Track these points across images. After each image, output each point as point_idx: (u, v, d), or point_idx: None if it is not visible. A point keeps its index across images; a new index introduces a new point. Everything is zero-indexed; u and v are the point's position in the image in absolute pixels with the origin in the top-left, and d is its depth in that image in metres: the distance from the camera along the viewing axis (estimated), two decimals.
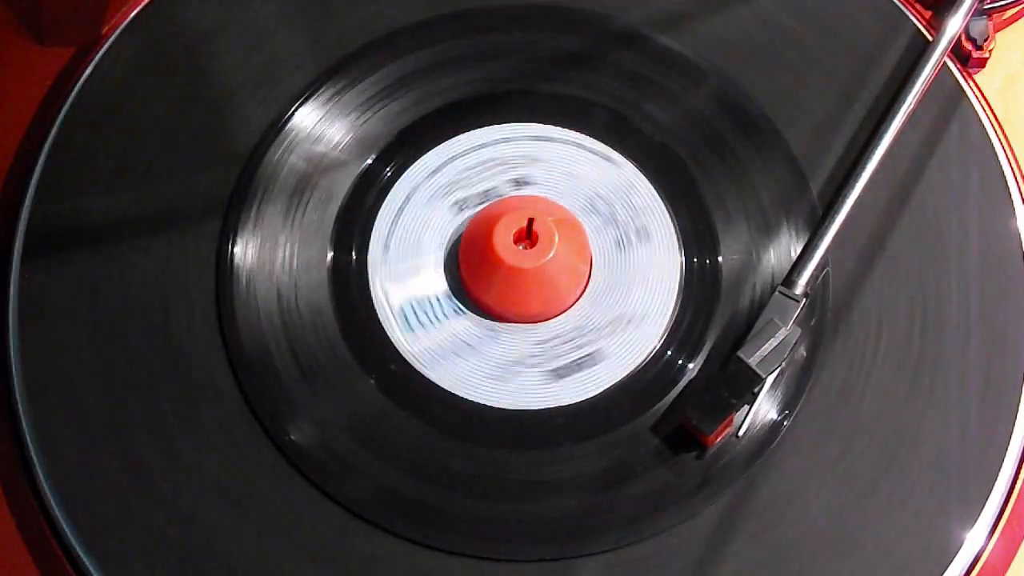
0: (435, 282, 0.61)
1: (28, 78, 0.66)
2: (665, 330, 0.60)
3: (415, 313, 0.60)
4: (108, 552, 0.55)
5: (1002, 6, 0.67)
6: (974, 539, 0.55)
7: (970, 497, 0.56)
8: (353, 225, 0.62)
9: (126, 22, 0.66)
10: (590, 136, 0.64)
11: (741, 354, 0.56)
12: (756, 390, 0.56)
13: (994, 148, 0.63)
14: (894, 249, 0.61)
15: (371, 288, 0.61)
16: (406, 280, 0.61)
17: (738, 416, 0.56)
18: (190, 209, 0.62)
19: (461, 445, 0.58)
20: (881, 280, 0.60)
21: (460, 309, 0.60)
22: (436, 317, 0.60)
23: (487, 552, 0.56)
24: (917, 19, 0.67)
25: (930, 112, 0.64)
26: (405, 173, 0.63)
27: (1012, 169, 0.63)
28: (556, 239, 0.59)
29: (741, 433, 0.57)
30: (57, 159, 0.62)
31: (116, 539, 0.55)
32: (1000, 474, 0.56)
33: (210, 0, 0.67)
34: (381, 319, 0.60)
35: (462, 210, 0.62)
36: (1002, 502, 0.56)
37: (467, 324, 0.60)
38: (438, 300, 0.60)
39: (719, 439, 0.57)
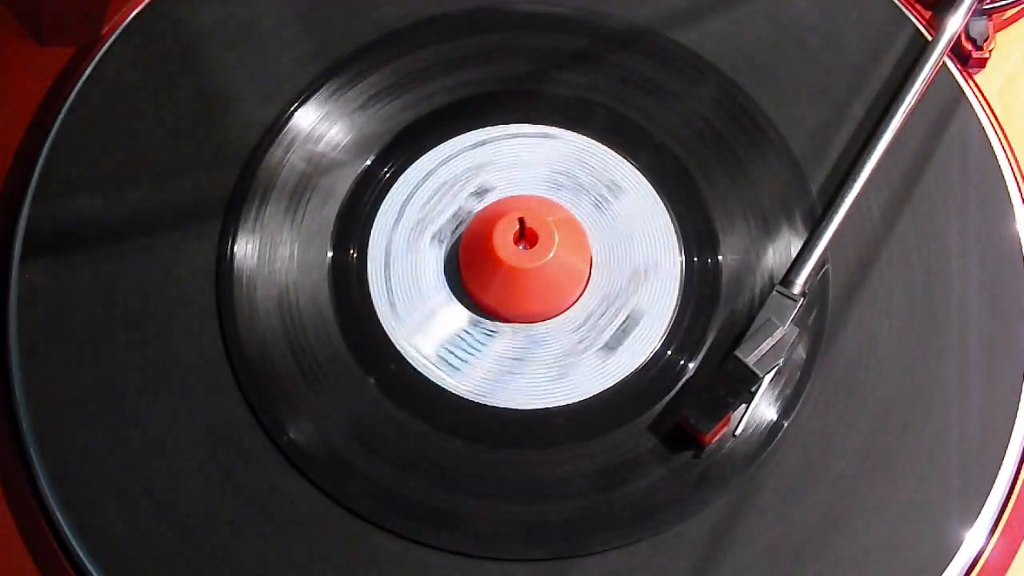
0: (456, 317, 0.61)
1: (28, 78, 0.66)
2: (665, 330, 0.60)
3: (453, 354, 0.60)
4: (108, 552, 0.55)
5: (1002, 6, 0.67)
6: (974, 539, 0.55)
7: (970, 497, 0.56)
8: (353, 225, 0.62)
9: (126, 22, 0.66)
10: (589, 136, 0.64)
11: (739, 353, 0.56)
12: (753, 389, 0.56)
13: (994, 148, 0.63)
14: (894, 249, 0.61)
15: (371, 288, 0.61)
16: (428, 328, 0.60)
17: (735, 415, 0.57)
18: (190, 209, 0.62)
19: (461, 445, 0.58)
20: (880, 280, 0.60)
21: (491, 331, 0.60)
22: (474, 348, 0.60)
23: (487, 552, 0.56)
24: (917, 19, 0.67)
25: (930, 112, 0.64)
26: (404, 173, 0.63)
27: (1012, 169, 0.63)
28: (556, 239, 0.59)
29: (738, 432, 0.57)
30: (57, 159, 0.63)
31: (116, 539, 0.55)
32: (1000, 474, 0.56)
33: (210, 0, 0.67)
34: (382, 322, 0.60)
35: (441, 242, 0.62)
36: (1002, 502, 0.56)
37: (506, 341, 0.60)
38: (467, 332, 0.60)
39: (716, 438, 0.57)
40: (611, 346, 0.60)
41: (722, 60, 0.66)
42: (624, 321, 0.60)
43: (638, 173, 0.63)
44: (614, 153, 0.63)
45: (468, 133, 0.64)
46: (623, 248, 0.62)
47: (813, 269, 0.59)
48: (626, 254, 0.62)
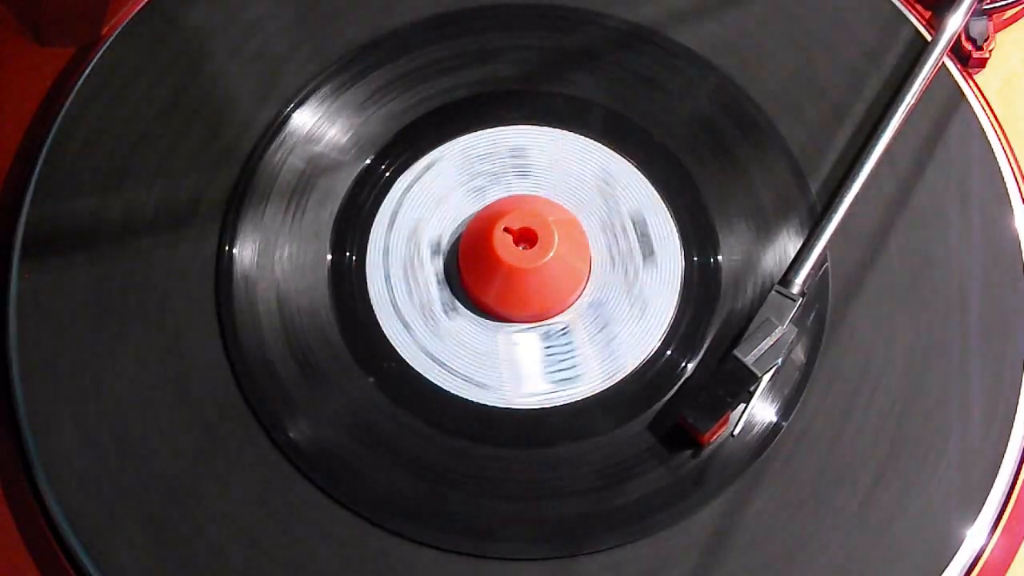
0: (455, 317, 0.61)
1: (28, 78, 0.66)
2: (665, 330, 0.60)
3: (452, 354, 0.59)
4: (108, 552, 0.55)
5: (1002, 6, 0.67)
6: (974, 538, 0.55)
7: (970, 496, 0.56)
8: (352, 225, 0.62)
9: (126, 22, 0.66)
10: (589, 136, 0.64)
11: (737, 353, 0.56)
12: (752, 389, 0.56)
13: (994, 148, 0.63)
14: (894, 249, 0.61)
15: (370, 290, 0.61)
16: (427, 327, 0.60)
17: (734, 415, 0.57)
18: (190, 209, 0.62)
19: (461, 445, 0.58)
20: (880, 279, 0.60)
21: (490, 331, 0.60)
22: (473, 348, 0.60)
23: (487, 552, 0.56)
24: (917, 19, 0.67)
25: (930, 112, 0.64)
26: (404, 174, 0.63)
27: (1012, 169, 0.63)
28: (556, 239, 0.59)
29: (736, 432, 0.57)
30: (57, 159, 0.63)
31: (116, 539, 0.55)
32: (1000, 473, 0.56)
33: (210, 0, 0.67)
34: (381, 321, 0.60)
35: (441, 241, 0.62)
36: (1002, 501, 0.56)
37: (470, 327, 0.60)
38: (466, 332, 0.60)
39: (715, 437, 0.57)
40: (610, 346, 0.60)
41: (722, 60, 0.66)
42: (623, 321, 0.60)
43: (672, 229, 0.62)
44: (615, 155, 0.63)
45: (468, 134, 0.64)
46: (622, 248, 0.62)
47: (812, 269, 0.59)
48: (625, 254, 0.62)
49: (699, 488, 0.56)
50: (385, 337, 0.60)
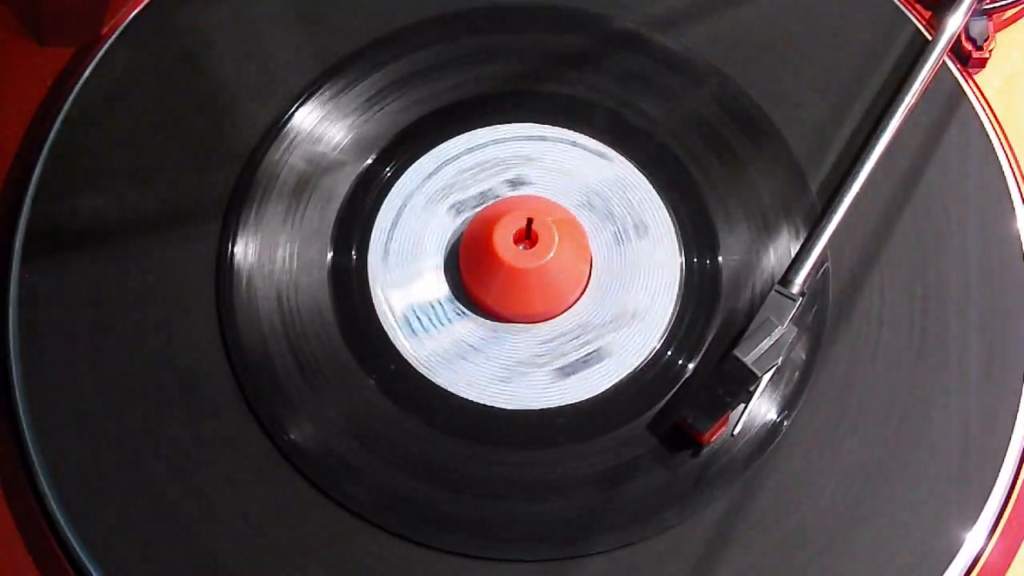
0: (436, 286, 0.61)
1: (28, 78, 0.66)
2: (665, 330, 0.60)
3: (418, 318, 0.60)
4: (108, 552, 0.55)
5: (1002, 6, 0.67)
6: (974, 539, 0.55)
7: (970, 497, 0.56)
8: (353, 225, 0.62)
9: (126, 22, 0.66)
10: (589, 136, 0.64)
11: (737, 353, 0.56)
12: (752, 389, 0.56)
13: (994, 148, 0.63)
14: (894, 249, 0.61)
15: (371, 290, 0.61)
16: (407, 286, 0.61)
17: (733, 415, 0.57)
18: (190, 209, 0.62)
19: (461, 445, 0.58)
20: (881, 280, 0.60)
21: (462, 311, 0.60)
22: (439, 321, 0.60)
23: (487, 552, 0.56)
24: (917, 19, 0.67)
25: (930, 112, 0.64)
26: (405, 173, 0.63)
27: (1012, 169, 0.63)
28: (556, 239, 0.59)
29: (736, 432, 0.57)
30: (57, 159, 0.63)
31: (116, 539, 0.55)
32: (1000, 474, 0.56)
33: (210, 0, 0.67)
34: (382, 322, 0.60)
35: (460, 212, 0.62)
36: (1002, 502, 0.56)
37: (470, 327, 0.60)
38: (440, 304, 0.60)
39: (714, 437, 0.57)
40: (610, 346, 0.60)
41: (722, 60, 0.66)
42: (588, 355, 0.60)
43: (672, 229, 0.62)
44: (658, 198, 0.63)
45: (468, 134, 0.64)
46: (621, 286, 0.61)
47: (812, 268, 0.59)
48: (622, 293, 0.61)
49: (699, 488, 0.56)
50: (386, 337, 0.60)
